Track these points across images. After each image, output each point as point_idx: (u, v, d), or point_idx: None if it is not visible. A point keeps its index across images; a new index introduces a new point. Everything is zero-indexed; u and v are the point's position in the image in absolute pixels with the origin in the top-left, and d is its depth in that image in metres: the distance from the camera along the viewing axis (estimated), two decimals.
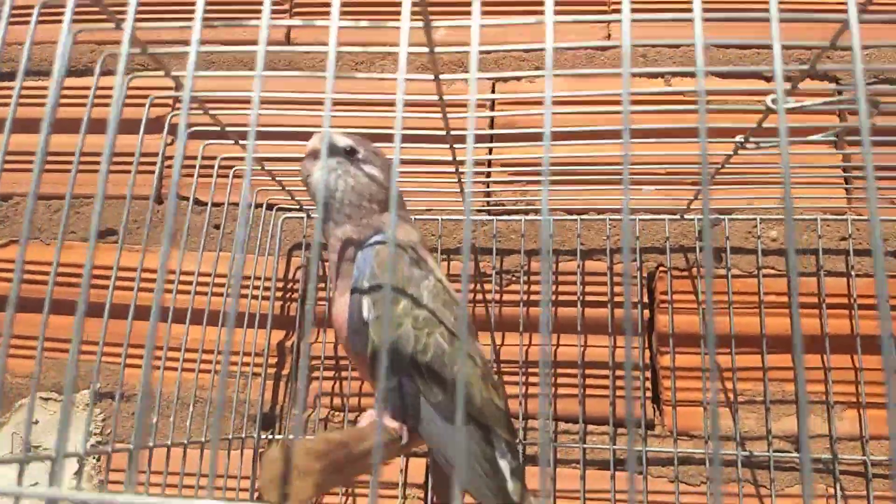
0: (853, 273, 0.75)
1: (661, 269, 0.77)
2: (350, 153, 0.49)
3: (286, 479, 0.26)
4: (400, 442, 0.47)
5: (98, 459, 0.76)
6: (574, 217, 0.78)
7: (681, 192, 0.78)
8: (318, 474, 0.26)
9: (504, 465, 0.47)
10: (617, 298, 0.77)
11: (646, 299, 0.77)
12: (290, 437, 0.46)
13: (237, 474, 0.72)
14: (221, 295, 0.76)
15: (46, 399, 0.78)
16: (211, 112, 0.53)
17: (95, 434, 0.77)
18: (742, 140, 0.54)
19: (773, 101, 0.55)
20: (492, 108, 0.84)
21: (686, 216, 0.76)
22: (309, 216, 0.80)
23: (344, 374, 0.77)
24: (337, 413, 0.77)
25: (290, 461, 0.26)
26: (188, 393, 0.75)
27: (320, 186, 0.48)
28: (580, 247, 0.78)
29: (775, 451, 0.71)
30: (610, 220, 0.78)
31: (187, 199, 0.80)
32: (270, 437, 0.75)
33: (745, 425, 0.72)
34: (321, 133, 0.49)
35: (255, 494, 0.75)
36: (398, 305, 0.46)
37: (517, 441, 0.52)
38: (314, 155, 0.49)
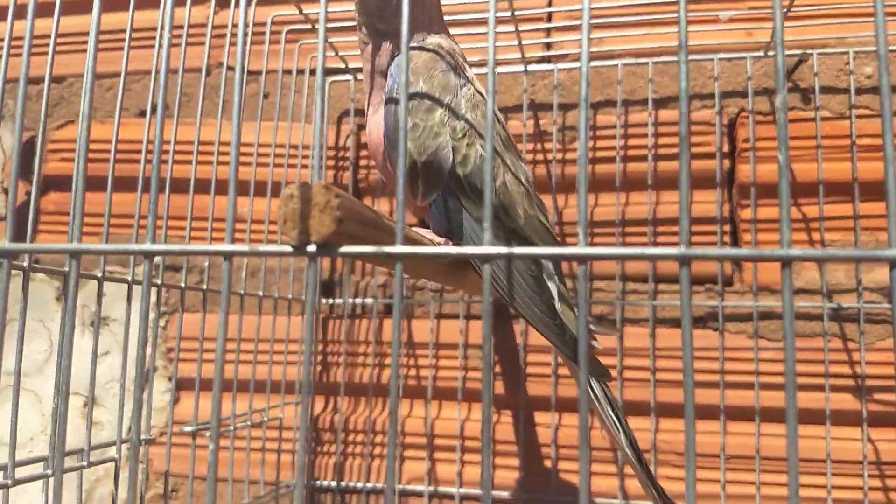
0: None
1: (742, 114, 0.71)
2: None
3: (305, 216, 0.24)
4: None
5: (164, 327, 0.77)
6: (645, 60, 0.71)
7: (763, 26, 0.70)
8: (339, 210, 0.23)
9: (552, 286, 0.44)
10: (695, 150, 0.71)
11: (726, 148, 0.71)
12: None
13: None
14: (279, 165, 0.74)
15: (112, 272, 0.79)
16: None
17: (161, 305, 0.78)
18: None
19: None
20: None
21: (770, 52, 0.69)
22: (356, 78, 0.76)
23: None
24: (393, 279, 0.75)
25: (309, 199, 0.24)
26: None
27: None
28: (652, 95, 0.72)
29: (866, 303, 0.66)
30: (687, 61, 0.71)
31: (233, 68, 0.78)
32: (329, 301, 0.75)
33: (832, 277, 0.67)
34: None
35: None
36: (434, 114, 0.42)
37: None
38: None
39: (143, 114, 0.83)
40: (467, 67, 0.46)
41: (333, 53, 0.72)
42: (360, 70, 0.75)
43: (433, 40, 0.45)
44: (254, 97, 0.79)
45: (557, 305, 0.43)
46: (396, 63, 0.43)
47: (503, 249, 0.23)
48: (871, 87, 0.69)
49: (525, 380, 0.70)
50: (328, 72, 0.77)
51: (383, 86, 0.45)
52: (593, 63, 0.72)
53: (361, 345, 0.74)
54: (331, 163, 0.78)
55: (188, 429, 0.54)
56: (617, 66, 0.72)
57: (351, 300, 0.75)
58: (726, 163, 0.70)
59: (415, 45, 0.44)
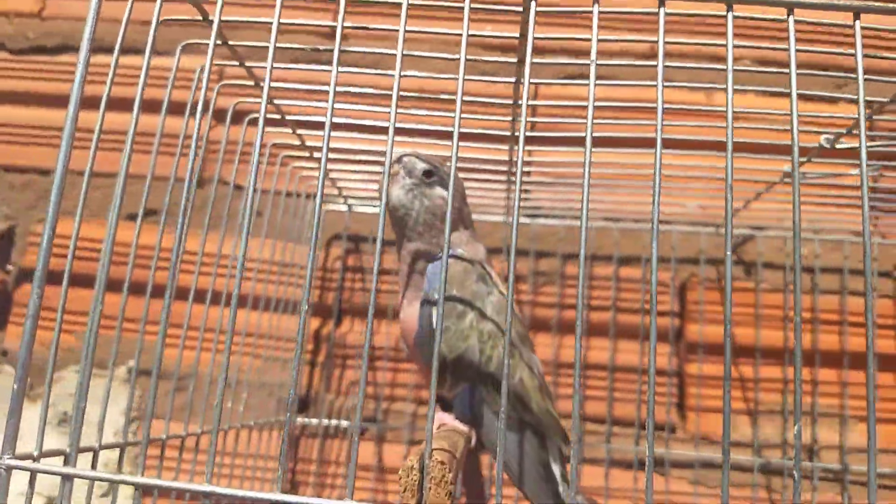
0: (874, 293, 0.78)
1: (693, 278, 0.80)
2: (427, 175, 0.51)
3: (422, 488, 0.29)
4: (469, 443, 0.50)
5: (135, 434, 0.78)
6: (612, 224, 0.80)
7: (719, 205, 0.80)
8: (452, 483, 0.28)
9: (556, 469, 0.50)
10: (639, 305, 0.79)
11: (677, 308, 0.79)
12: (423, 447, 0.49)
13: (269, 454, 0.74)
14: (261, 281, 0.77)
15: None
16: (275, 101, 0.54)
17: (133, 409, 0.78)
18: (795, 171, 0.56)
19: (827, 140, 0.57)
20: (533, 113, 0.85)
21: (720, 230, 0.79)
22: (350, 209, 0.81)
23: (378, 363, 0.79)
24: (369, 400, 0.79)
25: (426, 471, 0.28)
26: (231, 376, 0.77)
27: (397, 204, 0.51)
28: (618, 253, 0.80)
29: (789, 459, 0.75)
30: (647, 230, 0.80)
31: (229, 183, 0.81)
32: (305, 419, 0.77)
33: (763, 433, 0.76)
34: (403, 156, 0.51)
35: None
36: (465, 319, 0.48)
37: (569, 446, 0.55)
38: (393, 173, 0.51)
39: (131, 217, 0.84)
40: (493, 272, 0.52)
41: (332, 188, 0.77)
42: (356, 202, 0.80)
43: (464, 249, 0.51)
44: (243, 212, 0.82)
45: (561, 488, 0.49)
46: (432, 270, 0.49)
47: None
48: (805, 267, 0.80)
49: None
50: (325, 200, 0.81)
51: (419, 284, 0.50)
52: (566, 222, 0.80)
53: (332, 465, 0.77)
54: (318, 282, 0.81)
55: None
56: (588, 226, 0.80)
57: (326, 421, 0.78)
58: (677, 321, 0.79)
59: (450, 253, 0.50)
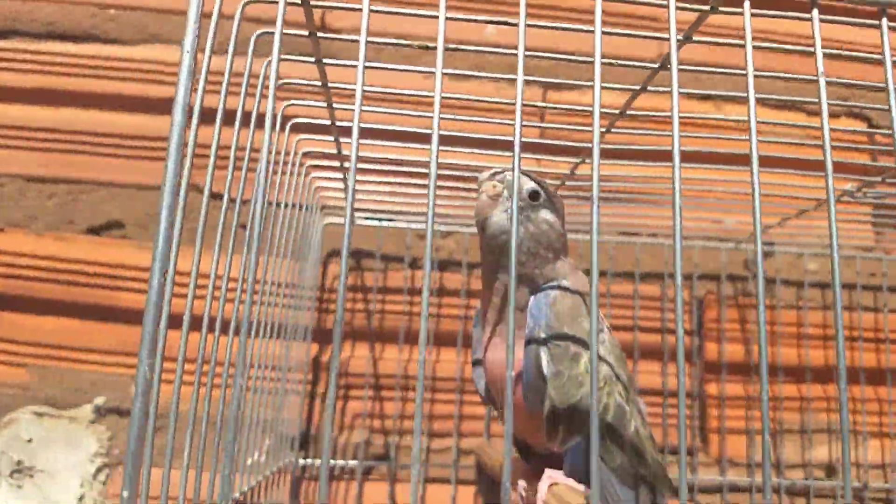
0: (885, 309, 0.78)
1: (709, 295, 0.78)
2: (533, 197, 0.44)
3: None
4: None
5: (105, 483, 0.67)
6: (631, 238, 0.76)
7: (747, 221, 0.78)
8: None
9: None
10: (669, 325, 0.76)
11: (695, 326, 0.77)
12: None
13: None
14: (245, 302, 0.68)
15: (40, 414, 0.67)
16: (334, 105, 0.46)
17: (101, 455, 0.67)
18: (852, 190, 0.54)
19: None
20: (542, 119, 0.80)
21: (740, 246, 0.77)
22: (353, 223, 0.73)
23: (385, 393, 0.72)
24: (377, 435, 0.71)
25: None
26: (214, 410, 0.67)
27: (497, 231, 0.43)
28: (638, 270, 0.76)
29: (815, 479, 0.73)
30: (667, 245, 0.77)
31: (215, 194, 0.72)
32: (306, 460, 0.69)
33: (781, 453, 0.74)
34: (502, 172, 0.44)
35: None
36: (580, 362, 0.42)
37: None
38: (494, 195, 0.44)
39: (92, 230, 0.72)
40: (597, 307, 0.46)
41: (340, 200, 0.69)
42: (361, 216, 0.73)
43: (569, 280, 0.44)
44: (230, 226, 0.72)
45: None
46: (538, 304, 0.42)
47: None
48: (815, 282, 0.79)
49: None
50: (327, 212, 0.73)
51: (518, 321, 0.43)
52: (576, 236, 0.75)
53: None
54: (316, 304, 0.73)
55: None
56: (607, 241, 0.76)
57: (331, 461, 0.69)
58: (695, 340, 0.76)
59: (554, 284, 0.43)
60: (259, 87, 0.40)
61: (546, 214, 0.44)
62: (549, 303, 0.43)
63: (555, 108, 0.66)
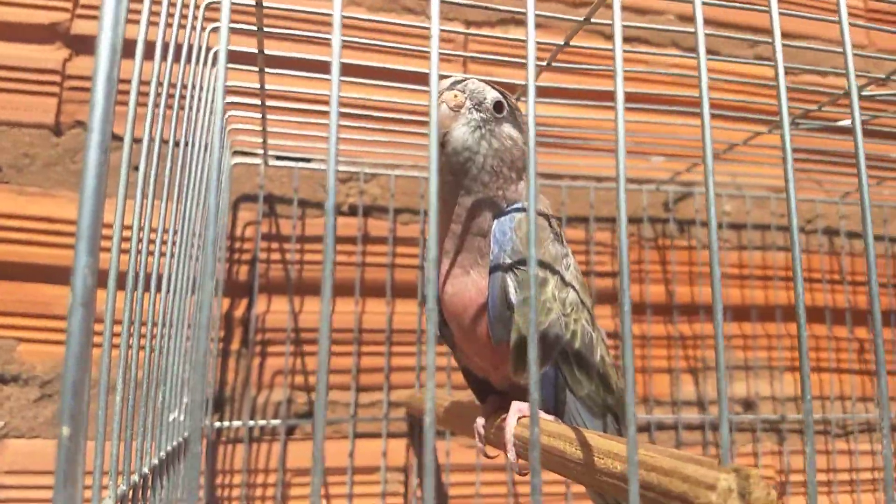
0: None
1: (631, 238, 0.77)
2: (497, 109, 0.40)
3: None
4: None
5: None
6: (555, 182, 0.75)
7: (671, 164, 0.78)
8: None
9: None
10: (597, 269, 0.75)
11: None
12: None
13: None
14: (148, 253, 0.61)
15: None
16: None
17: None
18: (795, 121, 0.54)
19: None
20: (463, 65, 0.77)
21: (661, 187, 0.77)
22: (266, 163, 0.67)
23: (307, 348, 0.67)
24: (299, 392, 0.66)
25: (748, 492, 0.21)
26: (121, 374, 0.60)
27: (459, 147, 0.39)
28: (564, 214, 0.75)
29: (735, 414, 0.75)
30: (592, 187, 0.76)
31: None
32: (221, 423, 0.63)
33: (704, 391, 0.76)
34: (464, 81, 0.40)
35: None
36: (547, 287, 0.39)
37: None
38: (456, 106, 0.40)
39: None
40: (559, 228, 0.43)
41: (254, 139, 0.63)
42: (273, 155, 0.67)
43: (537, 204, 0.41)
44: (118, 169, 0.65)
45: None
46: (502, 228, 0.39)
47: None
48: (731, 223, 0.81)
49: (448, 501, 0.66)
50: (237, 152, 0.66)
51: (480, 247, 0.39)
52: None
53: (260, 474, 0.63)
54: (225, 254, 0.66)
55: None
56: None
57: (251, 422, 0.64)
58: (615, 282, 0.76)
59: (518, 207, 0.40)
60: (177, 15, 0.35)
61: (510, 129, 0.40)
62: (514, 227, 0.40)
63: (479, 36, 0.63)
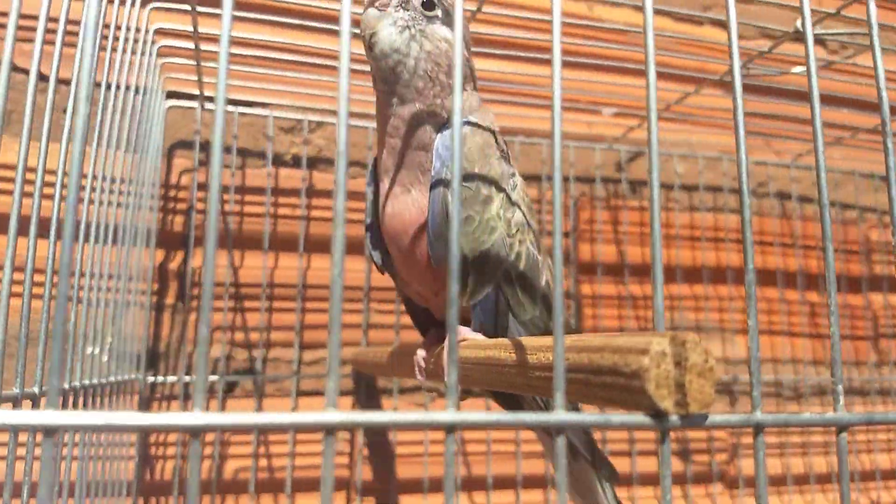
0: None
1: (583, 197, 0.76)
2: (428, 6, 0.38)
3: (681, 381, 0.19)
4: None
5: None
6: (508, 138, 0.73)
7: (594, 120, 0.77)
8: (715, 371, 0.19)
9: None
10: (541, 226, 0.74)
11: (570, 227, 0.75)
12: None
13: None
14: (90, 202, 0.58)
15: None
16: None
17: None
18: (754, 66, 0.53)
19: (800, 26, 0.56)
20: None
21: (613, 146, 0.76)
22: (203, 107, 0.64)
23: (247, 303, 0.64)
24: (239, 349, 0.63)
25: (684, 359, 0.19)
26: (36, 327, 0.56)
27: (387, 49, 0.37)
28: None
29: None
30: (545, 144, 0.74)
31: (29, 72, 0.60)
32: (155, 377, 0.60)
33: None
34: None
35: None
36: (491, 206, 0.37)
37: None
38: (382, 5, 0.37)
39: None
40: (506, 146, 0.41)
41: (190, 77, 0.60)
42: (211, 99, 0.64)
43: (477, 116, 0.38)
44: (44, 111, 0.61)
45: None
46: (444, 142, 0.36)
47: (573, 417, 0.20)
48: (683, 185, 0.80)
49: (395, 461, 0.64)
50: (170, 94, 0.63)
51: (422, 162, 0.37)
52: None
53: None
54: (159, 203, 0.63)
55: None
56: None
57: (186, 378, 0.61)
58: (570, 241, 0.75)
59: (463, 120, 0.37)
60: None
61: (445, 31, 0.38)
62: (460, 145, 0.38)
63: None
